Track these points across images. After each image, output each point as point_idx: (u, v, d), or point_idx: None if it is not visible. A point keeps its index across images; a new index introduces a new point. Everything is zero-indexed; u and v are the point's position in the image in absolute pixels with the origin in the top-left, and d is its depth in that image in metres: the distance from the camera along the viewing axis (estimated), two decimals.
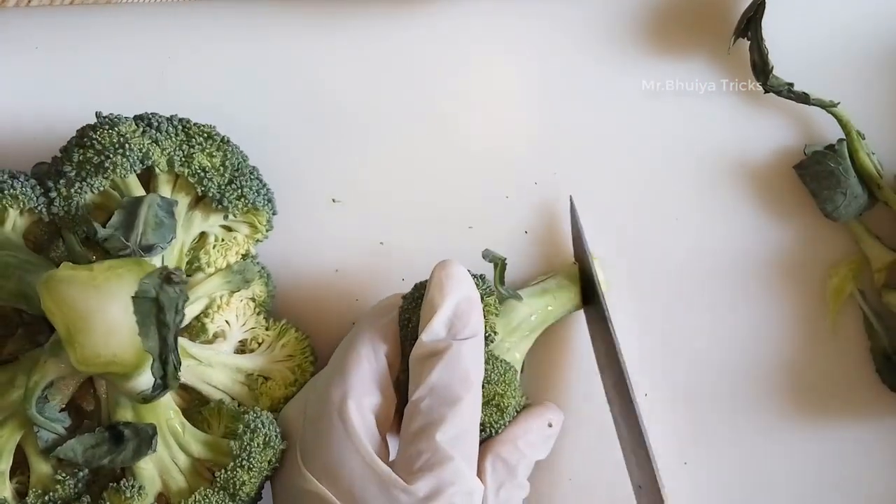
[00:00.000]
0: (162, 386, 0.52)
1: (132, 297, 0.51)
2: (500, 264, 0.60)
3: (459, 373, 0.53)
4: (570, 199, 0.62)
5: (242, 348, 0.61)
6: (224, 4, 0.64)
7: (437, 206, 0.64)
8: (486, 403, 0.56)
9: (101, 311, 0.51)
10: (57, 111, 0.59)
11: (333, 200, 0.64)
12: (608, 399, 0.60)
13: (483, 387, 0.55)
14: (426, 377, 0.53)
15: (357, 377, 0.54)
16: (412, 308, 0.56)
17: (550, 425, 0.58)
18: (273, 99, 0.64)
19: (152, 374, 0.52)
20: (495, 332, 0.57)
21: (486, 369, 0.56)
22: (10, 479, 0.55)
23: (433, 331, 0.54)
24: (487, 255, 0.60)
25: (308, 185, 0.64)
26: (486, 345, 0.56)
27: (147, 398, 0.53)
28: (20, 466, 0.55)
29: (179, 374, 0.53)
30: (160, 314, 0.52)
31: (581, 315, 0.63)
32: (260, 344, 0.61)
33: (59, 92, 0.63)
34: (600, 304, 0.60)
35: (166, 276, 0.52)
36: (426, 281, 0.56)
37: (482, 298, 0.56)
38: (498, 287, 0.60)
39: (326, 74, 0.64)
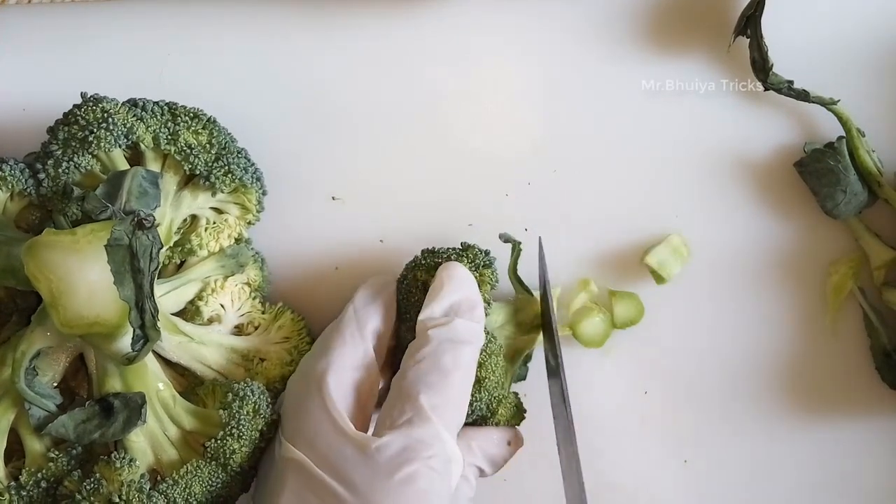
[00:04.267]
0: (142, 338, 0.53)
1: (105, 245, 0.52)
2: (516, 247, 0.60)
3: (454, 349, 0.54)
4: (539, 241, 0.61)
5: (238, 332, 0.61)
6: (223, 3, 0.64)
7: (436, 203, 0.64)
8: None
9: (83, 273, 0.52)
10: (56, 110, 0.59)
11: (333, 198, 0.64)
12: (557, 440, 0.59)
13: None
14: (421, 348, 0.54)
15: (338, 353, 0.55)
16: (415, 267, 0.58)
17: (509, 443, 0.59)
18: (273, 97, 0.64)
19: (130, 323, 0.52)
20: (489, 304, 0.57)
21: None
22: (7, 463, 0.55)
23: (431, 312, 0.55)
24: (503, 237, 0.60)
25: (308, 183, 0.64)
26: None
27: (131, 358, 0.53)
28: (16, 453, 0.56)
29: (158, 322, 0.53)
30: (134, 261, 0.52)
31: None
32: (256, 328, 0.61)
33: (59, 90, 0.62)
34: (556, 353, 0.60)
35: (138, 222, 0.53)
36: (431, 248, 0.58)
37: (481, 269, 0.57)
38: (511, 276, 0.60)
39: (326, 72, 0.64)
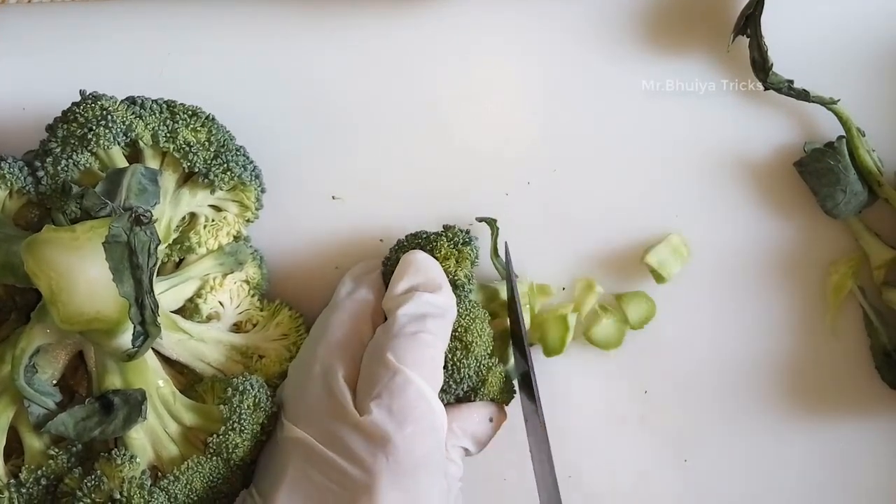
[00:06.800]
0: (143, 334, 0.53)
1: (103, 242, 0.52)
2: (493, 228, 0.62)
3: (418, 320, 0.55)
4: (512, 276, 0.63)
5: (237, 330, 0.61)
6: (223, 3, 0.64)
7: (436, 203, 0.64)
8: (451, 338, 0.57)
9: (83, 269, 0.52)
10: (56, 108, 0.59)
11: (333, 197, 0.64)
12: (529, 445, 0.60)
13: None
14: (386, 324, 0.55)
15: (337, 334, 0.56)
16: (398, 249, 0.59)
17: (491, 420, 0.59)
18: (272, 97, 0.64)
19: (130, 319, 0.52)
20: (469, 281, 0.59)
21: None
22: (6, 461, 0.55)
23: (393, 293, 0.57)
24: (479, 219, 0.62)
25: (308, 183, 0.64)
26: (460, 290, 0.58)
27: (132, 354, 0.53)
28: (16, 451, 0.56)
29: (158, 318, 0.53)
30: (133, 257, 0.52)
31: None
32: (254, 325, 0.61)
33: (59, 90, 0.62)
34: (532, 390, 0.60)
35: (136, 218, 0.53)
36: (414, 232, 0.60)
37: (460, 246, 0.58)
38: (493, 258, 0.62)
39: (327, 72, 0.64)
